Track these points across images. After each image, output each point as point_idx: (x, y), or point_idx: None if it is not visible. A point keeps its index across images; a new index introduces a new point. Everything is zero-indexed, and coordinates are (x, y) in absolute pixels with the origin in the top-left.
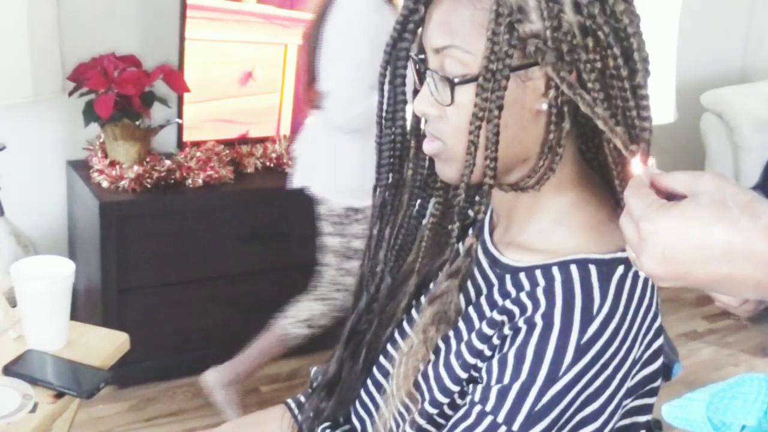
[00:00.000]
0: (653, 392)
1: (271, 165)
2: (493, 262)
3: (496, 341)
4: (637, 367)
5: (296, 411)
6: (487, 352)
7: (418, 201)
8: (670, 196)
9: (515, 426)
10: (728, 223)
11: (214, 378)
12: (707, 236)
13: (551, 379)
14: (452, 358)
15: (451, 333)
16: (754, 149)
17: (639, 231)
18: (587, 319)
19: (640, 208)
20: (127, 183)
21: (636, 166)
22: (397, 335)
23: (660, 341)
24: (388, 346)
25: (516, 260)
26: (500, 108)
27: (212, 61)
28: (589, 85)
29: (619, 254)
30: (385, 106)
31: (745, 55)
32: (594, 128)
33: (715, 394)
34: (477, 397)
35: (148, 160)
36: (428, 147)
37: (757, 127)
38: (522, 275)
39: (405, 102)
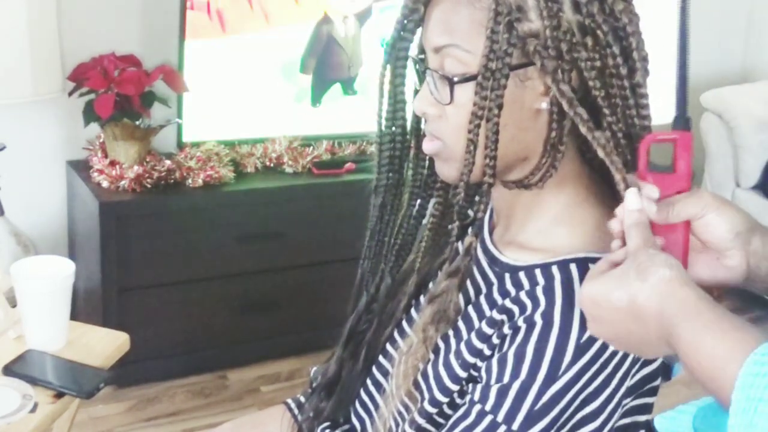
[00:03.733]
0: (653, 391)
1: (271, 165)
2: (493, 261)
3: (495, 340)
4: (637, 366)
5: (296, 411)
6: (487, 351)
7: (418, 201)
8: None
9: (515, 425)
10: (624, 289)
11: None
12: (608, 302)
13: (551, 377)
14: (452, 357)
15: (450, 332)
16: (754, 149)
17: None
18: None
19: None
20: (127, 183)
21: (630, 198)
22: (396, 335)
23: None
24: (388, 346)
25: (515, 259)
26: (500, 107)
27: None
28: (590, 83)
29: None
30: (385, 106)
31: (745, 55)
32: (594, 128)
33: (703, 407)
34: (476, 397)
35: (148, 160)
36: (428, 146)
37: (757, 127)
38: (521, 274)
39: (405, 102)
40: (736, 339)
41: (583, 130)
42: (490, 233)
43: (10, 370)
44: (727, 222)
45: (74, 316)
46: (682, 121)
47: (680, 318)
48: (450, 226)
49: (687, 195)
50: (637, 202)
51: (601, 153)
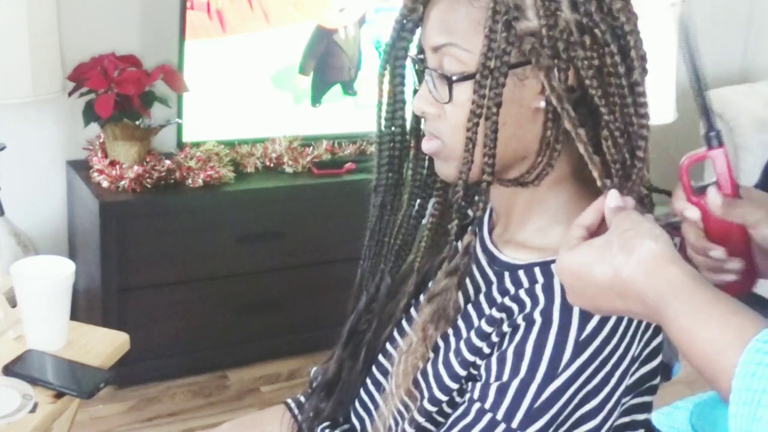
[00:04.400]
0: (652, 390)
1: (271, 165)
2: (492, 259)
3: (495, 339)
4: (636, 365)
5: (296, 411)
6: (486, 350)
7: (418, 201)
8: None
9: (514, 423)
10: (607, 262)
11: None
12: (590, 276)
13: (550, 375)
14: (451, 356)
15: (450, 331)
16: (754, 149)
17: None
18: (586, 315)
19: (562, 243)
20: (127, 183)
21: (610, 197)
22: (396, 334)
23: (659, 339)
24: (388, 345)
25: (515, 258)
26: (498, 105)
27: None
28: (587, 82)
29: None
30: (384, 106)
31: (745, 55)
32: (592, 126)
33: (700, 403)
34: (476, 395)
35: (148, 160)
36: (427, 146)
37: (757, 127)
38: (521, 272)
39: (404, 102)
40: (734, 325)
41: (567, 126)
42: (490, 232)
43: (10, 370)
44: None
45: (74, 316)
46: (712, 138)
47: (669, 299)
48: (449, 225)
49: (747, 203)
50: (618, 200)
51: (581, 149)
